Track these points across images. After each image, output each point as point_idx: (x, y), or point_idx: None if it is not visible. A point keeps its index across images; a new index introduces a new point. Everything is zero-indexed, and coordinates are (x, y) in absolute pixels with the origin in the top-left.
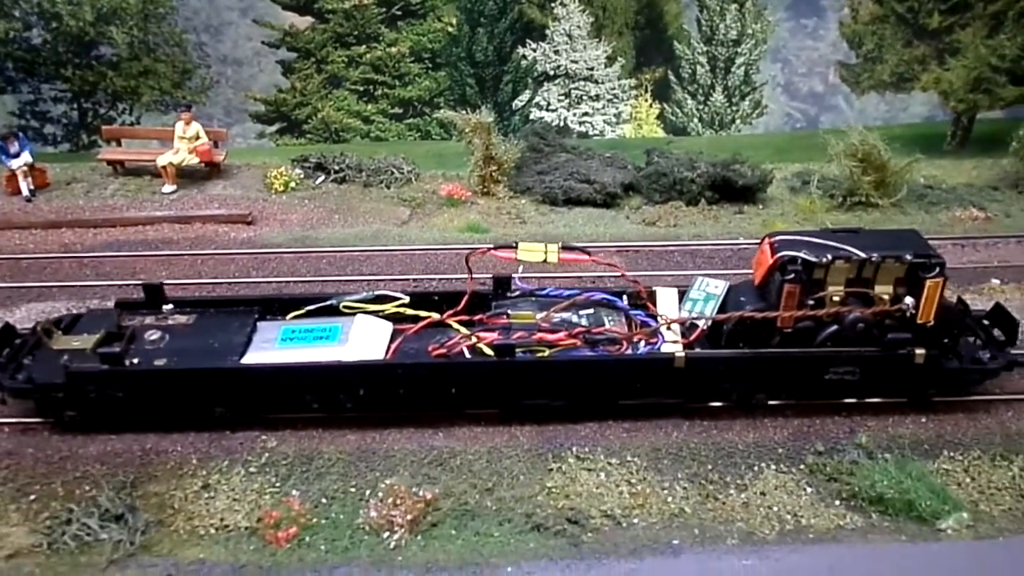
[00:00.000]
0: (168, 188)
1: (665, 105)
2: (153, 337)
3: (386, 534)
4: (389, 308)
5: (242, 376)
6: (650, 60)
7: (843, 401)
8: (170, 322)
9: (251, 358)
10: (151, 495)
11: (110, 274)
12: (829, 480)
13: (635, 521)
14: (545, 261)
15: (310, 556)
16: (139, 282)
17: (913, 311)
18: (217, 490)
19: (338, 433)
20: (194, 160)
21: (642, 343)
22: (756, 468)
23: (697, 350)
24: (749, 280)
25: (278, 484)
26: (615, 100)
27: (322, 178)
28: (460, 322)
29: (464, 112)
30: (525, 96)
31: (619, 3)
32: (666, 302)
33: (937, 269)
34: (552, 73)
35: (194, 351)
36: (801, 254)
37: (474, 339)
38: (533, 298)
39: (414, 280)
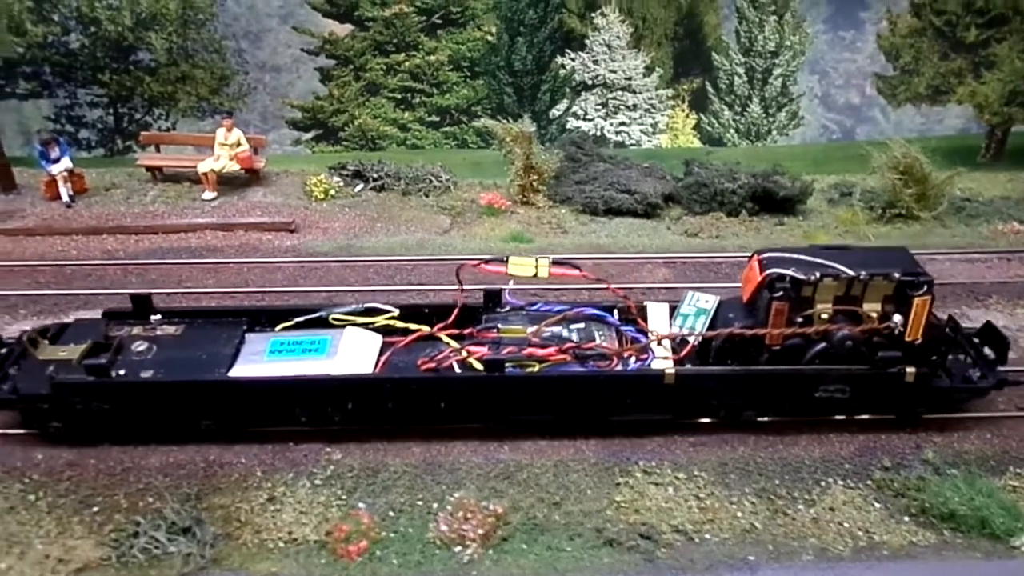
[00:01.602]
0: (208, 195)
1: (702, 116)
2: (140, 348)
3: (458, 548)
4: (379, 321)
5: (229, 389)
6: (688, 71)
7: (906, 416)
8: (158, 333)
9: (238, 371)
10: (216, 507)
11: (156, 282)
12: (897, 496)
13: (707, 536)
14: (536, 276)
15: (383, 570)
16: (185, 290)
17: (901, 329)
18: (283, 503)
19: (403, 446)
20: (235, 167)
21: (632, 359)
22: (823, 483)
23: (688, 366)
24: (739, 296)
25: (344, 497)
26: (652, 110)
27: (361, 186)
28: (451, 335)
29: (504, 121)
30: (562, 105)
31: (659, 14)
32: (657, 317)
33: (925, 287)
34: (590, 83)
35: (181, 363)
36: (789, 272)
37: (464, 353)
38: (524, 312)
39: (464, 291)
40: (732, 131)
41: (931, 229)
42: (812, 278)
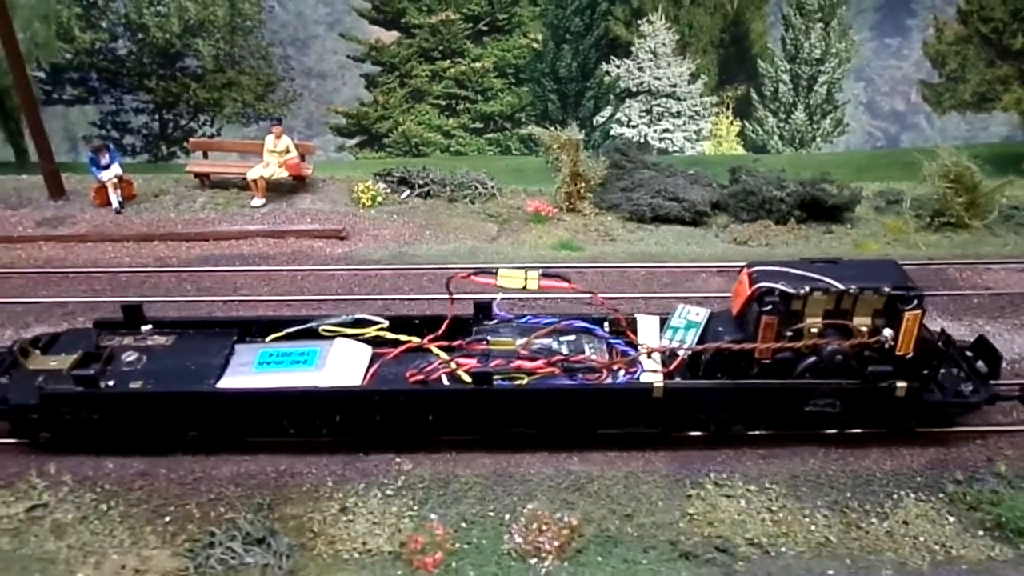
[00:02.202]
0: (257, 202)
1: (745, 122)
2: (130, 359)
3: (534, 560)
4: (369, 332)
5: (217, 401)
6: (733, 78)
7: (978, 429)
8: (149, 343)
9: (227, 382)
10: (289, 518)
11: (211, 289)
12: (970, 509)
13: (783, 550)
14: (525, 288)
15: None
16: (241, 298)
17: (892, 343)
18: (355, 513)
19: (472, 456)
20: (284, 174)
21: (621, 372)
22: (895, 496)
23: (677, 380)
24: (729, 309)
25: (416, 507)
26: (696, 117)
27: (407, 192)
28: (441, 347)
29: (551, 128)
30: (606, 112)
31: (705, 21)
32: (647, 330)
33: (915, 301)
34: (635, 90)
35: (171, 373)
36: (779, 285)
37: (453, 365)
38: (514, 325)
39: (519, 300)
40: (776, 138)
41: (981, 238)
42: (801, 292)
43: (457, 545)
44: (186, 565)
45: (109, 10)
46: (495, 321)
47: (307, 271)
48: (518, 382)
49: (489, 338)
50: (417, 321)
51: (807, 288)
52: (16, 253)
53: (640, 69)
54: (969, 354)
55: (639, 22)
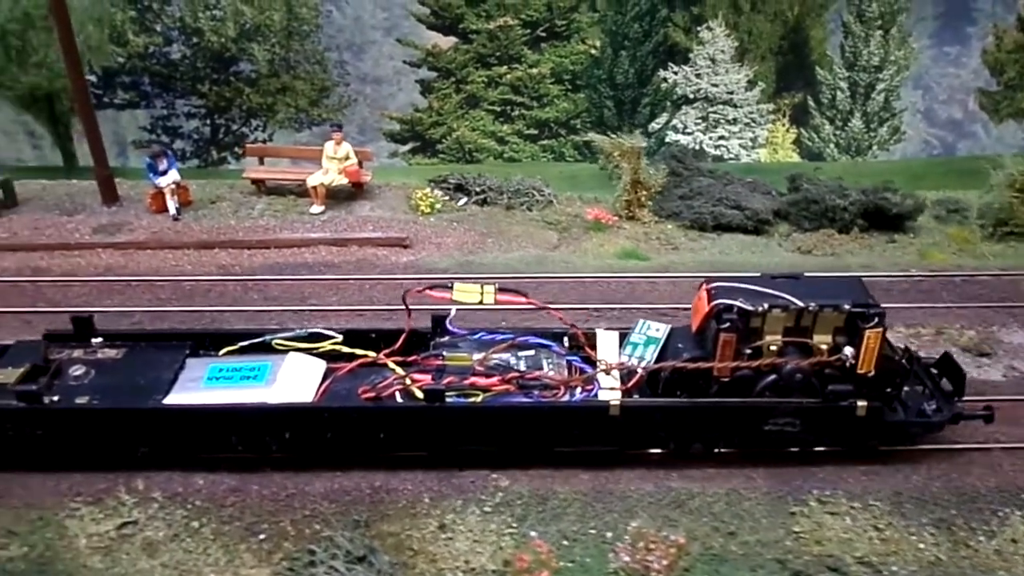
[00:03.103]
0: (316, 209)
1: (802, 130)
2: (78, 373)
3: None
4: (324, 346)
5: (164, 417)
6: (790, 85)
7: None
8: (99, 356)
9: (174, 398)
10: (386, 535)
11: (279, 298)
12: None
13: (894, 569)
14: (481, 303)
15: None
16: (311, 307)
17: (853, 361)
18: (455, 531)
19: (570, 473)
20: (343, 181)
21: (578, 389)
22: (1001, 514)
23: (635, 398)
24: (689, 325)
25: (515, 525)
26: (752, 124)
27: (464, 200)
28: (397, 362)
29: (611, 135)
30: (662, 119)
31: (765, 28)
32: (607, 346)
33: (876, 319)
34: (691, 96)
35: (118, 388)
36: (737, 302)
37: (407, 381)
38: (474, 340)
39: (594, 309)
40: (832, 146)
41: None
42: (760, 309)
43: (562, 563)
44: None
45: (164, 14)
46: (447, 337)
47: (374, 280)
48: (473, 399)
49: (445, 353)
50: (374, 335)
51: (766, 305)
52: (75, 260)
53: (698, 76)
54: (934, 372)
55: (699, 29)
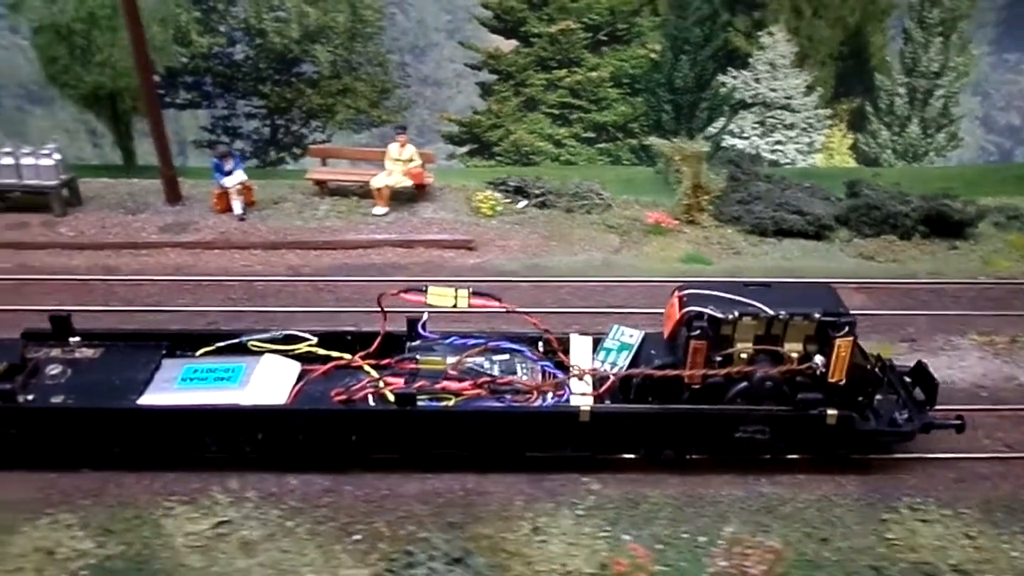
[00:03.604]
0: (380, 210)
1: (859, 135)
2: (54, 372)
3: None
4: (300, 348)
5: (137, 417)
6: (849, 90)
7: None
8: (76, 355)
9: (148, 399)
10: (481, 537)
11: (351, 299)
12: None
13: None
14: (455, 306)
15: None
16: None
17: (823, 370)
18: (548, 533)
19: (660, 477)
20: (407, 182)
21: (550, 394)
22: None
23: (607, 403)
24: (661, 332)
25: (608, 528)
26: (809, 129)
27: (524, 202)
28: (372, 365)
29: (673, 140)
30: (719, 123)
31: (825, 33)
32: (580, 351)
33: (847, 328)
34: (749, 101)
35: (94, 388)
36: (707, 310)
37: (381, 384)
38: (448, 343)
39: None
40: (889, 151)
41: None
42: (730, 317)
43: (657, 567)
44: None
45: (228, 15)
46: (423, 339)
47: (444, 283)
48: (444, 403)
49: (419, 357)
50: (350, 337)
51: (736, 313)
52: (144, 259)
53: (756, 81)
54: (907, 380)
55: (759, 34)
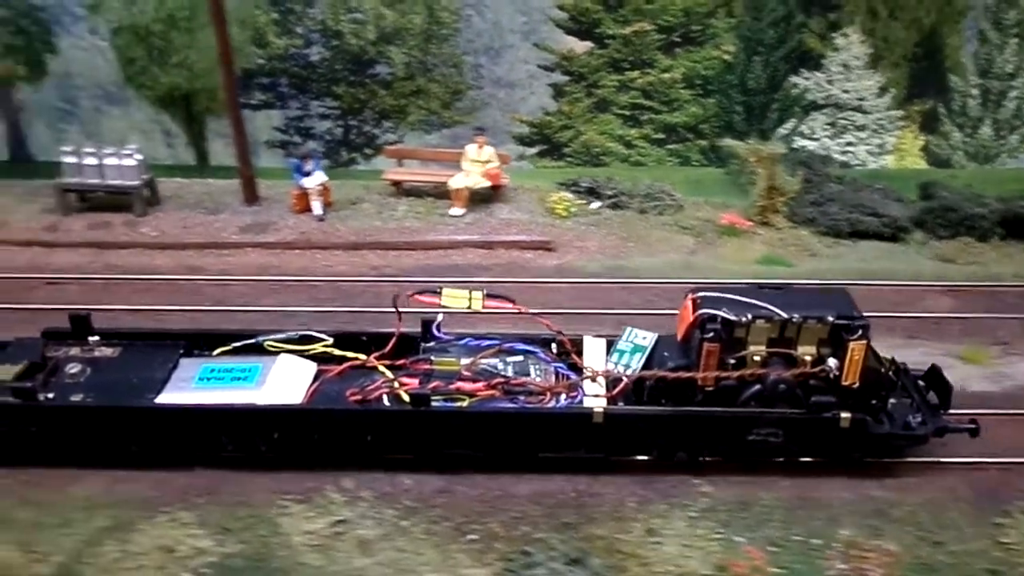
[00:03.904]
0: (457, 211)
1: (930, 137)
2: (74, 371)
3: None
4: (315, 348)
5: (155, 416)
6: (922, 91)
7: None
8: (95, 354)
9: (165, 398)
10: (595, 538)
11: None
12: None
13: None
14: (469, 308)
15: None
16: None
17: (837, 373)
18: (662, 535)
19: (770, 480)
20: (485, 183)
21: (563, 396)
22: None
23: (620, 405)
24: (675, 334)
25: (722, 530)
26: (880, 131)
27: (598, 203)
28: (387, 366)
29: (749, 141)
30: (790, 125)
31: (900, 35)
32: (593, 353)
33: (860, 331)
34: (821, 102)
35: (113, 387)
36: (721, 312)
37: (396, 384)
38: (463, 344)
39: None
40: (960, 153)
41: None
42: (744, 319)
43: (773, 569)
44: None
45: (306, 16)
46: (437, 340)
47: (528, 283)
48: (459, 404)
49: (433, 358)
50: (365, 338)
51: (750, 316)
52: (227, 260)
53: (829, 82)
54: (921, 384)
55: (834, 35)
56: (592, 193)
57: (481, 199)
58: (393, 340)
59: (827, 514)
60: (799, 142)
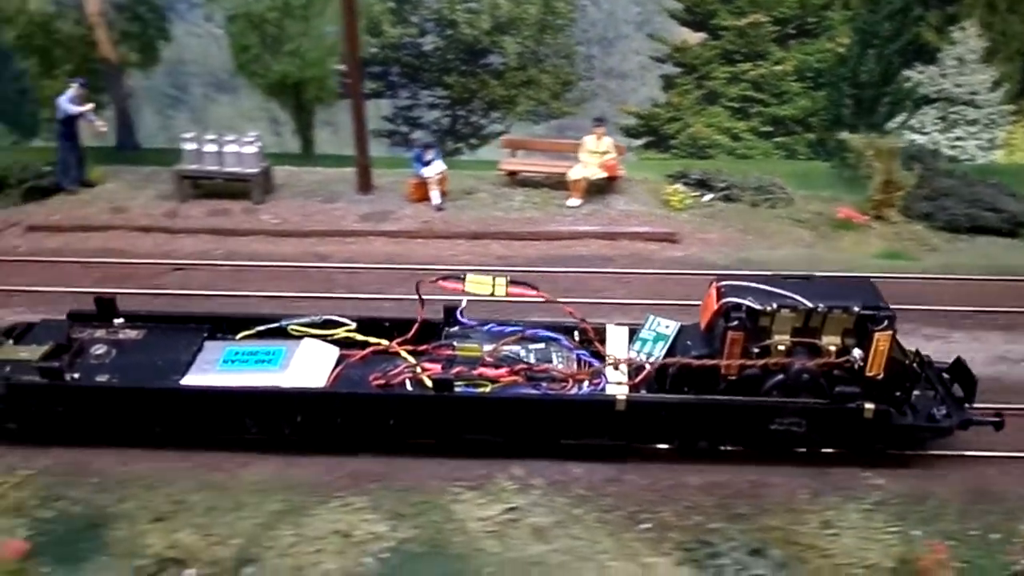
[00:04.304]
0: (574, 202)
1: None
2: (99, 352)
3: None
4: (338, 333)
5: (179, 397)
6: None
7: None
8: (120, 336)
9: (190, 379)
10: (770, 529)
11: (572, 290)
12: None
13: None
14: (492, 294)
15: None
16: (604, 300)
17: (861, 363)
18: (838, 527)
19: (943, 473)
20: (602, 174)
21: (585, 383)
22: None
23: (642, 393)
24: (698, 323)
25: (898, 524)
26: (991, 125)
27: (710, 196)
28: (410, 351)
29: (868, 134)
30: (899, 119)
31: (1018, 28)
32: (616, 341)
33: (886, 322)
34: (933, 96)
35: (137, 368)
36: (746, 301)
37: (418, 370)
38: (485, 331)
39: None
40: None
41: None
42: (768, 308)
43: (956, 564)
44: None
45: (421, 5)
46: (461, 326)
47: (655, 275)
48: (481, 389)
49: (456, 344)
50: (387, 324)
51: (774, 305)
52: (351, 247)
53: (943, 76)
54: (946, 377)
55: (951, 28)
56: (703, 185)
57: (596, 190)
58: (416, 326)
59: (1003, 508)
60: (908, 136)
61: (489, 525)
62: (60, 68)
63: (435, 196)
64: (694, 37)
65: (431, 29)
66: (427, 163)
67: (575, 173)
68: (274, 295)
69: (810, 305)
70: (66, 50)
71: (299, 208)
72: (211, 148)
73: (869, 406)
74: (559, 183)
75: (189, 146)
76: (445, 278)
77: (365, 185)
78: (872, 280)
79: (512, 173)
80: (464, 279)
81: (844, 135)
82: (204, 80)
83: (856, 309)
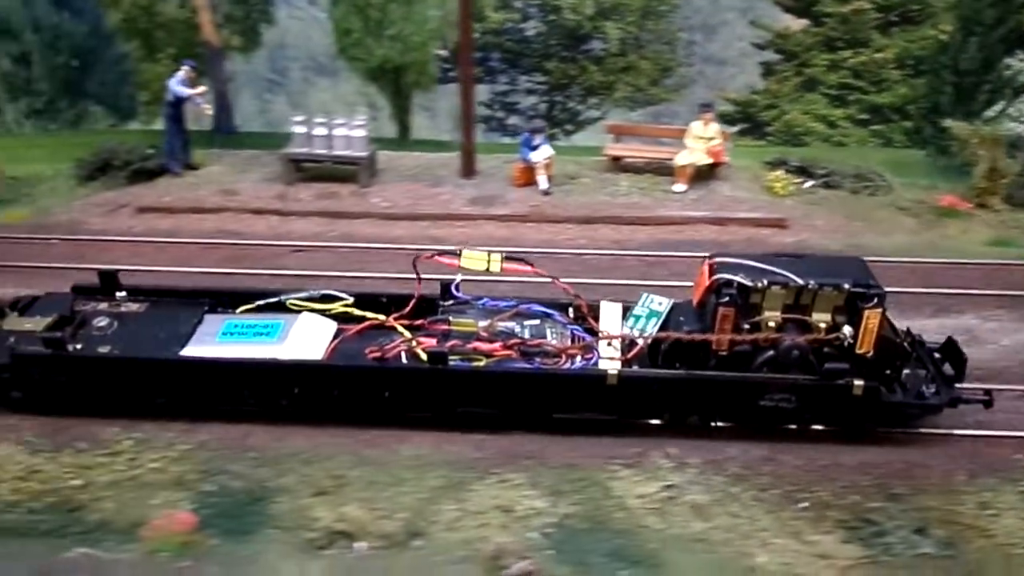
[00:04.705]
0: (680, 187)
1: None
2: (102, 324)
3: None
4: (335, 307)
5: (179, 368)
6: None
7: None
8: (122, 309)
9: (190, 351)
10: (928, 509)
11: (686, 275)
12: None
13: None
14: (488, 270)
15: None
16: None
17: (851, 340)
18: (996, 508)
19: None
20: (708, 160)
21: (578, 358)
22: None
23: (633, 368)
24: (691, 300)
25: None
26: None
27: (811, 183)
28: (406, 326)
29: (973, 122)
30: (998, 107)
31: None
32: (609, 317)
33: (875, 299)
34: None
35: (139, 340)
36: (737, 277)
37: (413, 343)
38: (480, 306)
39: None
40: None
41: None
42: (759, 285)
43: None
44: (863, 553)
45: None
46: (455, 301)
47: None
48: (476, 363)
49: (452, 319)
50: (385, 299)
51: (765, 281)
52: (463, 231)
53: None
54: (937, 356)
55: None
56: (803, 172)
57: (700, 176)
58: (413, 302)
59: None
60: (1006, 124)
61: (649, 502)
62: (162, 52)
63: (542, 181)
64: (797, 24)
65: (534, 14)
66: (535, 147)
67: (682, 159)
68: (395, 276)
69: (801, 282)
70: (168, 33)
71: (406, 192)
72: (320, 131)
73: (858, 383)
74: (663, 169)
75: (299, 129)
76: (441, 253)
77: (469, 170)
78: (863, 259)
79: (616, 158)
80: (460, 254)
81: (948, 123)
82: (304, 64)
83: (846, 286)
